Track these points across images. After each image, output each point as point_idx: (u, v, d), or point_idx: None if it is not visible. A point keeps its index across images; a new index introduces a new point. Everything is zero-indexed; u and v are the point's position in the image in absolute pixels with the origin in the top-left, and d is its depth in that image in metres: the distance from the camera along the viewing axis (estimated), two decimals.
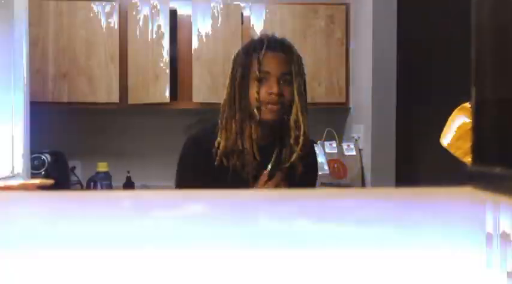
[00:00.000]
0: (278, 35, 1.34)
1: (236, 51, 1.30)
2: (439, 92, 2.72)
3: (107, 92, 2.36)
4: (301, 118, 1.23)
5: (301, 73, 1.26)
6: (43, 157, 2.33)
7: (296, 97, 1.23)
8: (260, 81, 1.22)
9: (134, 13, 2.36)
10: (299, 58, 1.28)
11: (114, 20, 2.37)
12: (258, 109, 1.21)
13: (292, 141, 1.22)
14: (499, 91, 0.41)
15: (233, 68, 1.26)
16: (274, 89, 1.21)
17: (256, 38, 1.33)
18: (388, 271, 0.17)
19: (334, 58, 2.46)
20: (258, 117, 1.21)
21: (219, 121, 1.26)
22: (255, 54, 1.23)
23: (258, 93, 1.21)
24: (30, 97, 1.92)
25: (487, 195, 0.37)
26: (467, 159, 1.21)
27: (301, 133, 1.23)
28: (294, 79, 1.24)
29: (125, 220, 0.30)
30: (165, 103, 2.32)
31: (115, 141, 2.71)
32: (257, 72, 1.21)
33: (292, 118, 1.23)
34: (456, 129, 1.22)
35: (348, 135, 2.55)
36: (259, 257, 0.19)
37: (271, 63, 1.23)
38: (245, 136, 1.23)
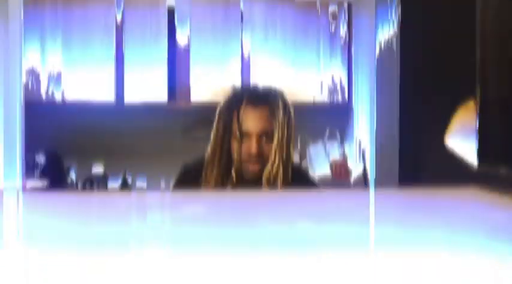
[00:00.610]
0: (264, 83, 1.33)
1: (221, 103, 1.27)
2: (442, 91, 2.70)
3: (105, 92, 2.36)
4: (280, 172, 1.19)
5: (286, 126, 1.21)
6: (38, 157, 2.32)
7: (276, 156, 1.19)
8: (240, 140, 1.20)
9: (133, 12, 2.36)
10: (286, 108, 1.23)
11: (113, 19, 2.37)
12: (237, 170, 1.21)
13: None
14: (503, 91, 0.40)
15: (217, 121, 1.24)
16: (253, 150, 1.19)
17: (238, 88, 1.33)
18: (389, 270, 0.16)
19: (335, 58, 2.45)
20: (234, 180, 1.20)
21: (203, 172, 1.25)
22: (236, 110, 1.21)
23: (237, 153, 1.20)
24: (27, 97, 1.91)
25: (492, 195, 0.36)
26: (472, 159, 1.20)
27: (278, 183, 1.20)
28: (278, 133, 1.19)
29: (122, 220, 0.28)
30: (164, 103, 2.32)
31: (112, 141, 2.70)
32: (237, 132, 1.20)
33: (265, 174, 1.19)
34: (461, 129, 1.21)
35: (350, 135, 2.53)
36: (259, 257, 0.18)
37: (251, 121, 1.20)
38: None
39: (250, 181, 1.21)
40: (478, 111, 0.34)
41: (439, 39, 2.78)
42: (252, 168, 1.21)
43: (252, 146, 1.19)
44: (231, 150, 1.21)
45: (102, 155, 2.64)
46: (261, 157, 1.20)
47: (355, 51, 2.45)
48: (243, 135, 1.20)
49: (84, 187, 2.33)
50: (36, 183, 2.02)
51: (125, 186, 2.49)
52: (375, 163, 2.24)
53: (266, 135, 1.20)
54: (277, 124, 1.19)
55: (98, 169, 2.35)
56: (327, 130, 2.52)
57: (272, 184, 1.17)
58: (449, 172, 1.74)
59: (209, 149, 1.23)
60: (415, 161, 2.82)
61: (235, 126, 1.20)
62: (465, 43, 1.54)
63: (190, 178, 1.27)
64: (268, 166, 1.18)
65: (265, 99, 1.23)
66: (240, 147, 1.19)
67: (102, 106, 2.38)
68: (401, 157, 2.25)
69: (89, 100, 2.35)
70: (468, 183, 0.41)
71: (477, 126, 0.35)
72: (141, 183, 2.62)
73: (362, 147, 2.35)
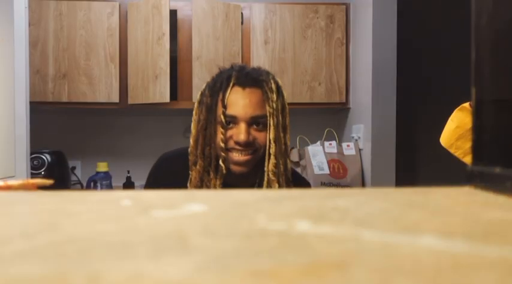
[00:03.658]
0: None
1: (204, 86, 1.08)
2: (439, 92, 2.72)
3: (107, 92, 2.36)
4: (281, 167, 1.00)
5: (279, 113, 1.01)
6: (43, 157, 2.33)
7: (272, 145, 0.99)
8: (226, 126, 1.00)
9: (134, 13, 2.36)
10: (279, 91, 1.03)
11: (114, 20, 2.37)
12: (224, 160, 1.00)
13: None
14: (499, 91, 0.41)
15: (198, 108, 1.03)
16: (242, 137, 0.98)
17: (226, 68, 1.08)
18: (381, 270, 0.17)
19: (334, 58, 2.46)
20: (223, 170, 1.00)
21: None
22: (221, 91, 1.00)
23: (223, 141, 0.99)
24: (30, 97, 1.92)
25: (487, 195, 0.37)
26: (467, 159, 1.22)
27: (286, 181, 1.02)
28: (270, 120, 0.99)
29: (124, 220, 0.30)
30: (165, 103, 2.32)
31: (115, 141, 2.71)
32: (221, 116, 0.99)
33: (270, 168, 1.00)
34: (456, 129, 1.22)
35: (348, 135, 2.55)
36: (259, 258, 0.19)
37: (239, 105, 0.99)
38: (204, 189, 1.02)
39: (236, 174, 1.02)
40: (473, 111, 0.36)
41: (436, 39, 2.80)
42: (238, 158, 1.00)
43: (240, 133, 0.98)
44: (214, 140, 1.01)
45: (106, 154, 2.65)
46: (252, 147, 1.00)
47: (352, 51, 2.46)
48: (230, 120, 1.00)
49: (88, 186, 2.34)
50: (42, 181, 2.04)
51: (128, 184, 2.50)
52: (372, 162, 2.26)
53: (258, 121, 1.00)
54: (272, 110, 0.99)
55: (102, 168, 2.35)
56: (325, 130, 2.53)
57: (268, 181, 1.00)
58: (444, 171, 1.75)
59: (191, 139, 1.03)
60: (411, 160, 2.83)
61: (219, 110, 1.00)
62: (462, 44, 1.56)
63: (168, 171, 1.11)
64: (271, 160, 1.00)
65: (256, 80, 1.01)
66: (225, 134, 1.00)
67: (106, 106, 2.39)
68: (397, 157, 2.26)
69: (93, 101, 2.35)
70: (463, 182, 0.42)
71: (472, 126, 0.36)
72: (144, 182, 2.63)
73: (359, 146, 2.36)
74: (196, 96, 2.29)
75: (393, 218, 0.29)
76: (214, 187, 1.01)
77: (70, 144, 2.64)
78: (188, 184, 1.03)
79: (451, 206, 0.33)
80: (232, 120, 1.00)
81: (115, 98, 2.36)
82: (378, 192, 0.40)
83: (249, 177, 1.04)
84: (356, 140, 2.40)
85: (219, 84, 1.02)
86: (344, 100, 2.47)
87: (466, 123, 1.21)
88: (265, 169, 1.01)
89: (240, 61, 2.39)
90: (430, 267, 0.18)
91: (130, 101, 2.36)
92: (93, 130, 2.71)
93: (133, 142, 2.73)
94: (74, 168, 2.63)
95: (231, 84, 1.00)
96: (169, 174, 1.10)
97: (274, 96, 1.00)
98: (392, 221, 0.28)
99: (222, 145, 0.99)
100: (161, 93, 2.29)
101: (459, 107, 1.25)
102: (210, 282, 0.16)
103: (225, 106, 0.99)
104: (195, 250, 0.20)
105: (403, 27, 2.27)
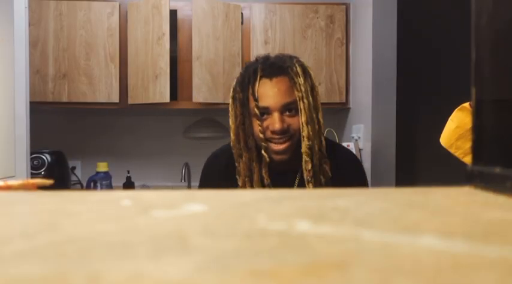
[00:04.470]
0: (277, 50, 1.17)
1: (234, 82, 1.14)
2: (439, 92, 2.72)
3: (107, 92, 2.36)
4: (315, 146, 1.07)
5: (309, 95, 1.06)
6: (43, 157, 2.33)
7: (304, 128, 1.06)
8: (261, 117, 1.08)
9: (134, 13, 2.36)
10: (306, 73, 1.08)
11: (114, 20, 2.37)
12: (266, 150, 1.08)
13: (311, 172, 1.08)
14: (499, 91, 0.41)
15: (232, 104, 1.11)
16: (277, 126, 1.06)
17: (251, 62, 1.15)
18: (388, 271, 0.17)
19: (334, 58, 2.46)
20: (267, 159, 1.09)
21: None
22: (250, 85, 1.08)
23: (261, 132, 1.07)
24: (30, 97, 1.92)
25: (487, 195, 0.37)
26: (467, 159, 1.21)
27: (321, 158, 1.08)
28: (301, 104, 1.05)
29: (124, 220, 0.29)
30: (165, 103, 2.32)
31: (115, 141, 2.71)
32: (255, 109, 1.07)
33: (303, 149, 1.07)
34: (456, 129, 1.22)
35: (348, 135, 2.54)
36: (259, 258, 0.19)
37: (269, 96, 1.06)
38: (254, 179, 1.10)
39: (278, 162, 1.10)
40: (473, 111, 0.35)
41: (436, 39, 2.80)
42: (277, 147, 1.08)
43: (275, 122, 1.06)
44: (253, 132, 1.09)
45: (106, 154, 2.65)
46: (287, 134, 1.08)
47: (352, 51, 2.46)
48: (264, 111, 1.07)
49: (88, 186, 2.34)
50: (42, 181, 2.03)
51: (128, 184, 2.50)
52: (372, 162, 2.25)
53: (290, 107, 1.07)
54: (300, 94, 1.05)
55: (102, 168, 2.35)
56: (325, 130, 2.53)
57: (314, 158, 1.07)
58: (444, 171, 1.75)
59: (231, 134, 1.11)
60: (411, 160, 2.83)
61: (252, 104, 1.07)
62: (462, 44, 1.56)
63: (216, 167, 1.20)
64: (304, 140, 1.06)
65: (281, 68, 1.08)
66: (262, 125, 1.08)
67: (106, 106, 2.39)
68: (397, 157, 2.26)
69: (93, 101, 2.35)
70: (463, 182, 0.42)
71: (472, 126, 0.36)
72: (144, 182, 2.62)
73: (359, 146, 2.36)
74: (196, 96, 2.30)
75: (393, 218, 0.28)
76: (262, 175, 1.10)
77: (70, 144, 2.64)
78: (237, 176, 1.12)
79: (451, 206, 0.33)
80: (265, 111, 1.08)
81: (115, 98, 2.36)
82: (378, 192, 0.39)
83: (292, 162, 1.11)
84: (356, 140, 2.39)
85: (247, 79, 1.09)
86: (344, 100, 2.47)
87: (466, 123, 1.20)
88: (303, 147, 1.08)
89: (240, 61, 2.39)
90: (430, 267, 0.18)
91: (130, 101, 2.36)
92: (93, 130, 2.71)
93: (133, 142, 2.72)
94: (74, 168, 2.63)
95: (258, 77, 1.07)
96: (217, 169, 1.20)
97: (301, 79, 1.06)
98: (392, 221, 0.28)
99: (262, 136, 1.07)
100: (161, 93, 2.29)
101: (459, 107, 1.25)
102: (210, 282, 0.16)
103: (256, 100, 1.07)
104: (195, 250, 0.20)
105: (403, 27, 2.27)
